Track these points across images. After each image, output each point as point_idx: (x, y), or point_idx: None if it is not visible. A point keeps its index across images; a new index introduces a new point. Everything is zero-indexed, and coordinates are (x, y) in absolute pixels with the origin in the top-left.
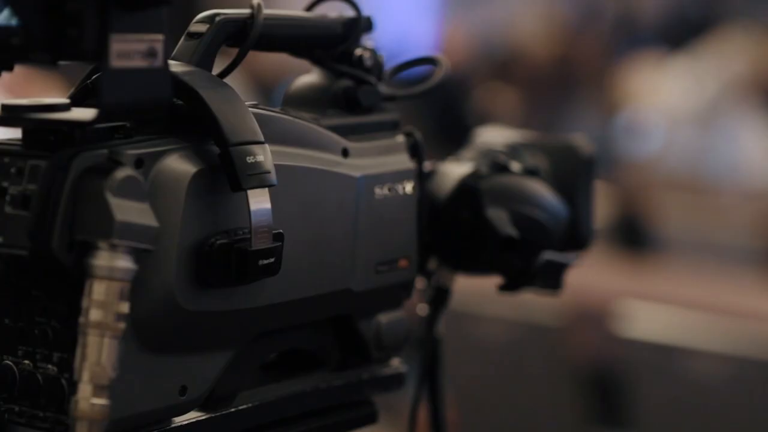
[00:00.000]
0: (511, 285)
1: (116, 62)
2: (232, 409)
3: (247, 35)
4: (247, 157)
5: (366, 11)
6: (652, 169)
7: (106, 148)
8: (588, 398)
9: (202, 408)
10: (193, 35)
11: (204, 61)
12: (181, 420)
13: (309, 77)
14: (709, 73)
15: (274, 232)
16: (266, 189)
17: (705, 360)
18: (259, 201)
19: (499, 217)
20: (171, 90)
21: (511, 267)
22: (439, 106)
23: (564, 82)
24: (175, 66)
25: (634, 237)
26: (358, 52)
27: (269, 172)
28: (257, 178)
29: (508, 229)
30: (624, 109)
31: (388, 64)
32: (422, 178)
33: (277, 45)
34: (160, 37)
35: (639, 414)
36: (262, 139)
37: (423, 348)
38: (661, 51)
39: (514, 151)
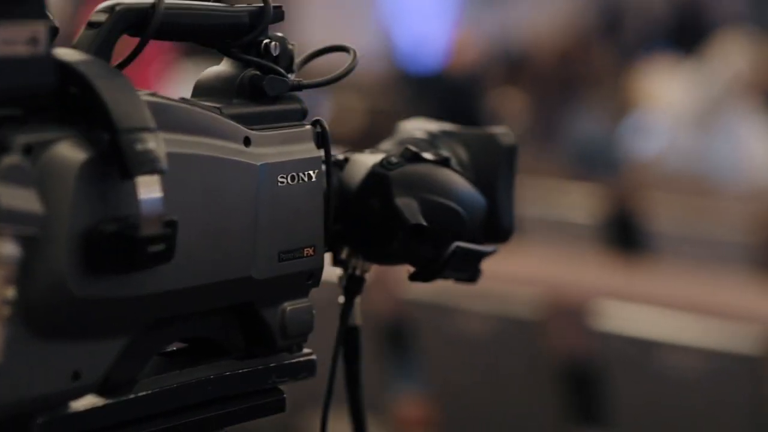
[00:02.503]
0: (421, 274)
1: None
2: (131, 396)
3: (148, 24)
4: (137, 144)
5: (385, 12)
6: (653, 169)
7: None
8: (571, 396)
9: (100, 394)
10: (92, 25)
11: (102, 51)
12: (77, 406)
13: (218, 67)
14: (711, 75)
15: (166, 219)
16: (156, 176)
17: (688, 357)
18: (149, 188)
19: (408, 205)
20: (54, 77)
21: (420, 256)
22: (453, 107)
23: (573, 83)
24: (70, 54)
25: (627, 235)
26: (265, 41)
27: (159, 159)
28: (146, 164)
29: (417, 218)
30: (631, 111)
31: (407, 65)
32: (330, 166)
33: (180, 34)
34: (42, 24)
35: (620, 412)
36: (152, 125)
37: (337, 338)
38: (667, 54)
39: (433, 141)
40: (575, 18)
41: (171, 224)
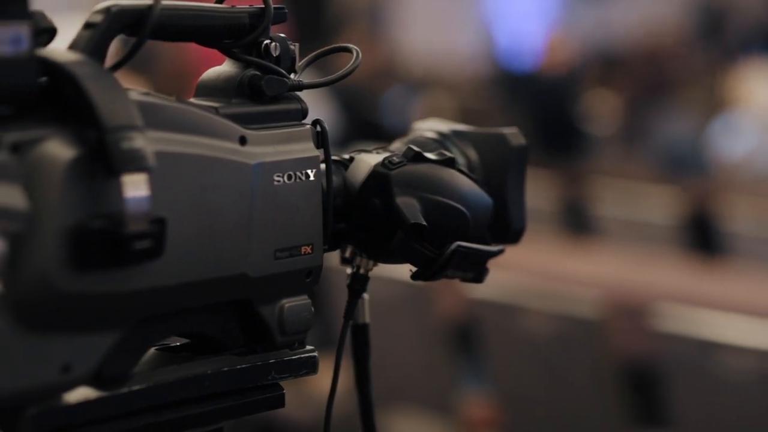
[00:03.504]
0: (422, 273)
1: None
2: (125, 389)
3: (145, 25)
4: (123, 143)
5: (487, 12)
6: (739, 171)
7: None
8: (632, 396)
9: (94, 387)
10: (89, 25)
11: (97, 51)
12: (69, 399)
13: (220, 67)
14: None
15: (153, 216)
16: (143, 174)
17: (749, 359)
18: (135, 185)
19: (408, 204)
20: (37, 76)
21: (420, 255)
22: (544, 107)
23: (664, 85)
24: (61, 54)
25: (704, 237)
26: (265, 42)
27: (146, 158)
28: (133, 162)
29: (417, 217)
30: (723, 113)
31: (505, 63)
32: (329, 165)
33: (178, 35)
34: (25, 24)
35: (681, 414)
36: (138, 124)
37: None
38: (761, 56)
39: (442, 141)
40: (675, 19)
41: (159, 221)
